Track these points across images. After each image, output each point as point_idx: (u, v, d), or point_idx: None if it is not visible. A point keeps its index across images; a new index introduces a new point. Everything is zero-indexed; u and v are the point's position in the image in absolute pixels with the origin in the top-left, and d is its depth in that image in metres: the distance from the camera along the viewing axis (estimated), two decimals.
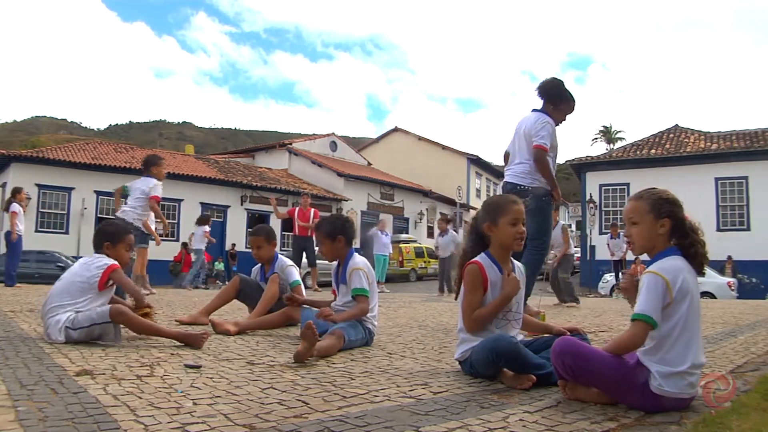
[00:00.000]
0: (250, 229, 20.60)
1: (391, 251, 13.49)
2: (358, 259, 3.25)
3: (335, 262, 3.31)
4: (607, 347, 1.88)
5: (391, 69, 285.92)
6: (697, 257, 1.90)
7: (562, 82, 4.27)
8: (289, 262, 4.00)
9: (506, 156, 4.41)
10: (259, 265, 4.10)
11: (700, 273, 1.92)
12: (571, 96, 4.25)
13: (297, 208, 10.67)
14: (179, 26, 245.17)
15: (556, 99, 4.21)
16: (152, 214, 6.00)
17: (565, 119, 4.29)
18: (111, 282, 3.01)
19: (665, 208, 1.93)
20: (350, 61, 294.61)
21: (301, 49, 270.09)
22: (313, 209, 10.84)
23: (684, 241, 1.91)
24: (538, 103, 4.28)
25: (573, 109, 4.30)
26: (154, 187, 5.78)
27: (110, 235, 3.17)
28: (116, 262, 3.04)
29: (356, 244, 10.75)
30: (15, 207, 8.82)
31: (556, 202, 4.30)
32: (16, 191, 9.16)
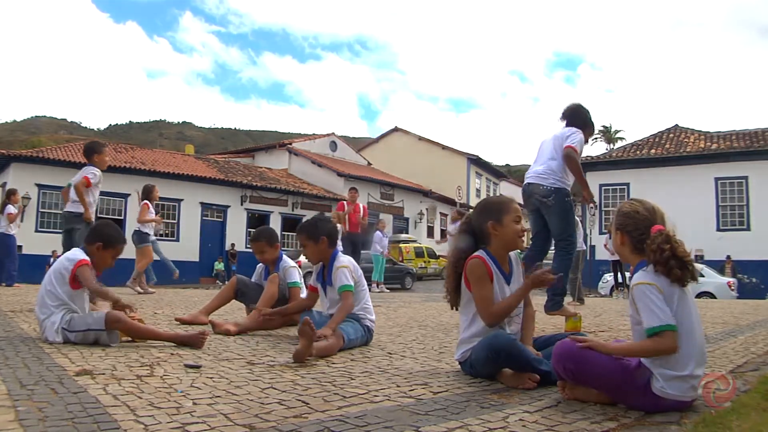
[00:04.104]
0: (252, 231, 20.60)
1: (387, 251, 13.49)
2: (344, 258, 3.23)
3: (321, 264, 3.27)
4: (632, 349, 1.83)
5: (380, 69, 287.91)
6: (664, 274, 1.80)
7: (580, 104, 4.37)
8: (292, 263, 3.97)
9: None
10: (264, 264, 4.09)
11: (682, 285, 1.81)
12: (592, 122, 4.36)
13: (345, 203, 10.17)
14: (168, 27, 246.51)
15: (581, 123, 4.28)
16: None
17: (587, 141, 4.39)
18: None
19: (618, 220, 1.95)
20: (339, 61, 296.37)
21: (289, 50, 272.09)
22: (361, 204, 10.33)
23: (649, 256, 1.83)
24: (550, 116, 4.39)
25: (593, 133, 4.49)
26: (86, 170, 5.41)
27: (106, 237, 3.11)
28: (85, 258, 2.98)
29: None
30: (10, 209, 9.05)
31: (587, 202, 4.38)
32: (11, 193, 9.40)
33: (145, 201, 7.96)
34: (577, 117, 4.28)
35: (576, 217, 4.57)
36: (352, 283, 3.12)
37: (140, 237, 7.85)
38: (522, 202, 4.20)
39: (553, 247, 4.27)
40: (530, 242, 4.35)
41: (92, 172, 5.48)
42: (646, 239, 1.86)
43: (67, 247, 5.17)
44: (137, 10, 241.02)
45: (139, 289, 7.42)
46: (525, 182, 4.28)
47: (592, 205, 4.37)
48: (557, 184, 4.07)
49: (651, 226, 1.88)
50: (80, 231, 5.28)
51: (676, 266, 1.79)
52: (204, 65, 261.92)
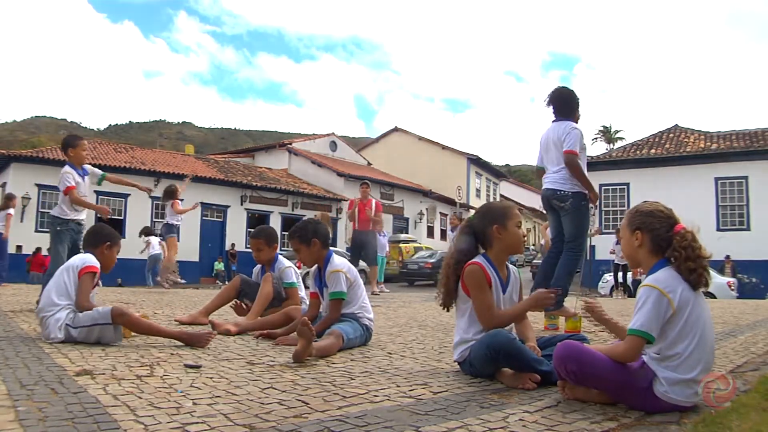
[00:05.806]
0: (251, 230, 20.59)
1: (388, 251, 13.44)
2: (337, 261, 3.21)
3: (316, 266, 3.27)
4: (603, 352, 1.87)
5: (375, 70, 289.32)
6: (683, 273, 1.80)
7: (566, 88, 4.38)
8: (288, 263, 3.97)
9: (539, 171, 4.50)
10: (261, 265, 4.10)
11: (695, 290, 1.81)
12: (576, 96, 4.35)
13: (356, 200, 9.38)
14: (164, 27, 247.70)
15: (571, 105, 4.28)
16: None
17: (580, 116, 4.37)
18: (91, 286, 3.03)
19: (636, 220, 1.93)
20: (334, 61, 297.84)
21: (284, 51, 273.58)
22: (374, 200, 9.47)
23: (671, 255, 1.85)
24: (545, 112, 4.38)
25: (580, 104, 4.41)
26: (62, 177, 4.95)
27: (112, 236, 3.26)
28: (96, 266, 3.06)
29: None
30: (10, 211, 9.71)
31: (593, 203, 4.40)
32: (10, 197, 10.17)
33: (174, 200, 8.54)
34: (565, 104, 4.26)
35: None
36: (346, 290, 3.12)
37: (168, 228, 8.60)
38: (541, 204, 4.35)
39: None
40: (551, 242, 4.42)
41: (65, 179, 5.00)
42: (670, 236, 1.86)
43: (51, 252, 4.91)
44: (133, 10, 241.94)
45: (166, 285, 7.96)
46: (544, 187, 4.35)
47: (592, 204, 4.38)
48: (575, 189, 4.15)
49: (674, 225, 1.89)
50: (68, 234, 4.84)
51: (700, 267, 1.80)
52: (200, 66, 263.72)
